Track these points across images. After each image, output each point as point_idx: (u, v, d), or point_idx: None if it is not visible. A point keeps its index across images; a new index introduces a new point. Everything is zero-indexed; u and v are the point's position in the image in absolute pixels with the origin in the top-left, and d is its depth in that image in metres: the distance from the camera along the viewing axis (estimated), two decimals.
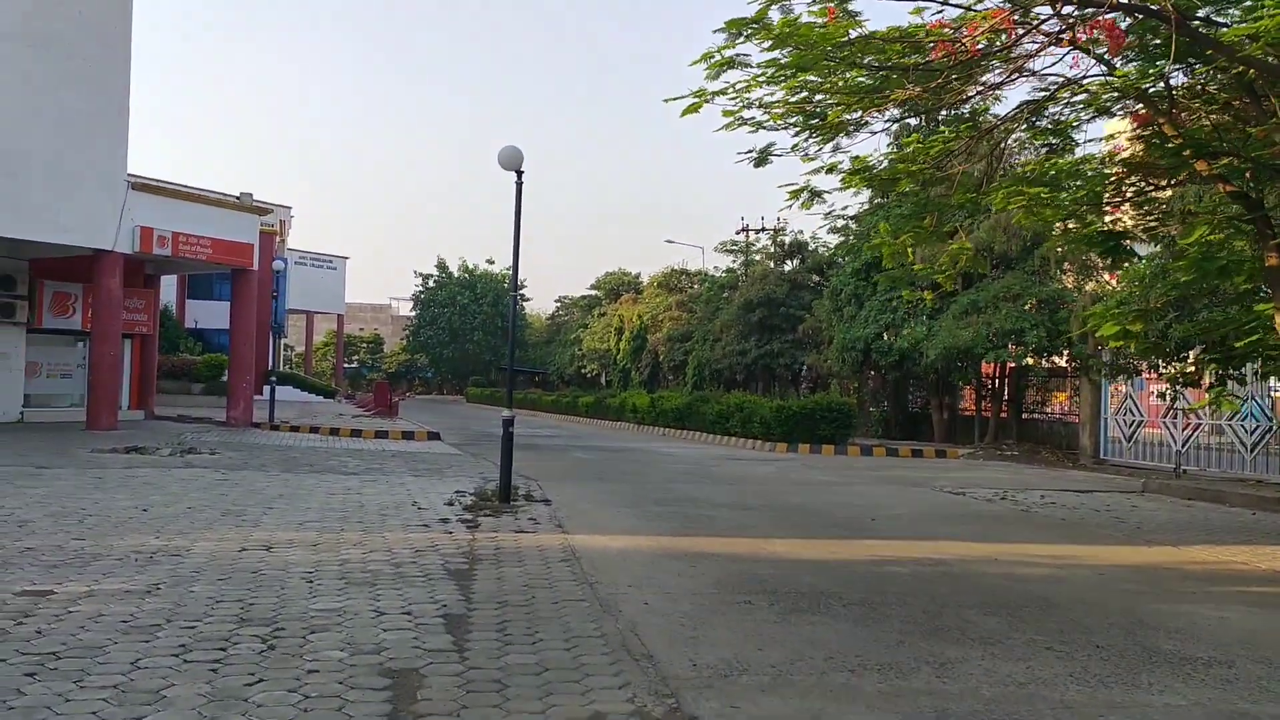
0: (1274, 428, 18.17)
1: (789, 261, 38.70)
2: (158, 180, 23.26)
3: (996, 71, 8.13)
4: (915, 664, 5.12)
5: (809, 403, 24.99)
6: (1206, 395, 10.92)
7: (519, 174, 11.55)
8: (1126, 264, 16.44)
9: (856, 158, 9.19)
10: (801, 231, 38.78)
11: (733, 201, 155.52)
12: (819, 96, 8.09)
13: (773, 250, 39.62)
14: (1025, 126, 10.29)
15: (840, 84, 7.86)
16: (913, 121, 11.31)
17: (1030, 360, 23.60)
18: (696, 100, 7.96)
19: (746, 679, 4.79)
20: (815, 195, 9.39)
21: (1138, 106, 9.90)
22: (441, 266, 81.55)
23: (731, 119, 8.18)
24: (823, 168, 9.82)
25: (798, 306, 36.02)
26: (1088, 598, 7.10)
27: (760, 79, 7.68)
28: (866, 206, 29.01)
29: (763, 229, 45.66)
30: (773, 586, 7.14)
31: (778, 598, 6.74)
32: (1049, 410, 26.62)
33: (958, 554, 8.85)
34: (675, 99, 8.00)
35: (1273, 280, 8.37)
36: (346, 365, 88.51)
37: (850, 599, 6.76)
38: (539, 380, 77.77)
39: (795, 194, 9.42)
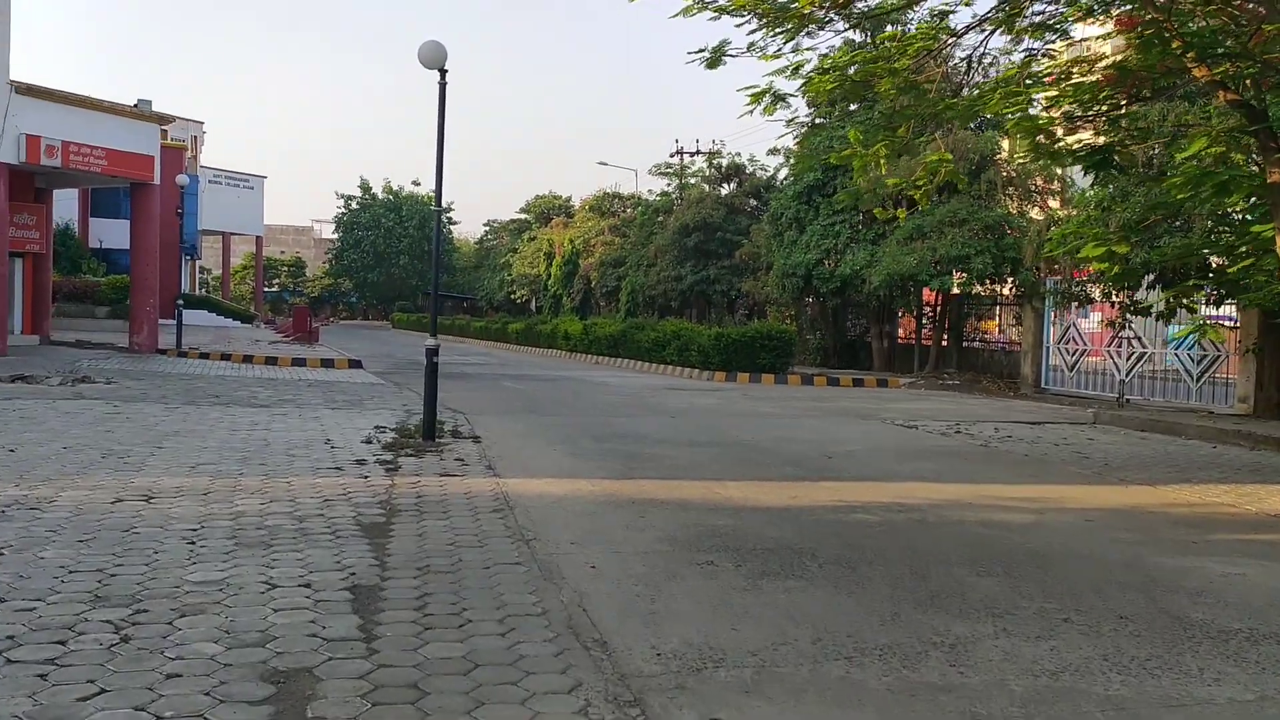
0: (1223, 357, 17.89)
1: (726, 185, 37.61)
2: (46, 86, 21.13)
3: None
4: (921, 646, 4.27)
5: (748, 331, 24.18)
6: (1186, 324, 10.19)
7: (442, 73, 10.26)
8: (1092, 185, 15.77)
9: (825, 56, 8.15)
10: (739, 154, 37.64)
11: (668, 124, 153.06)
12: None
13: (709, 173, 38.47)
14: (1003, 29, 9.33)
15: None
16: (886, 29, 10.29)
17: (975, 288, 23.06)
18: None
19: (724, 674, 3.89)
20: (779, 99, 8.35)
21: (1126, 7, 9.01)
22: (365, 188, 78.69)
23: (691, 2, 7.05)
24: (787, 68, 8.77)
25: (735, 231, 35.08)
26: (1083, 549, 6.37)
27: None
28: (806, 126, 28.04)
29: (698, 152, 44.43)
30: (735, 541, 6.26)
31: (743, 556, 5.87)
32: (989, 338, 26.24)
33: (927, 497, 8.09)
34: None
35: (1276, 198, 7.62)
36: (267, 289, 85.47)
37: (824, 557, 5.91)
38: (467, 306, 76.03)
39: (756, 97, 8.36)
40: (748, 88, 8.33)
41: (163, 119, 23.58)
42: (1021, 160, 21.51)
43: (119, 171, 22.42)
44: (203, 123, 65.29)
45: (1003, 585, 5.38)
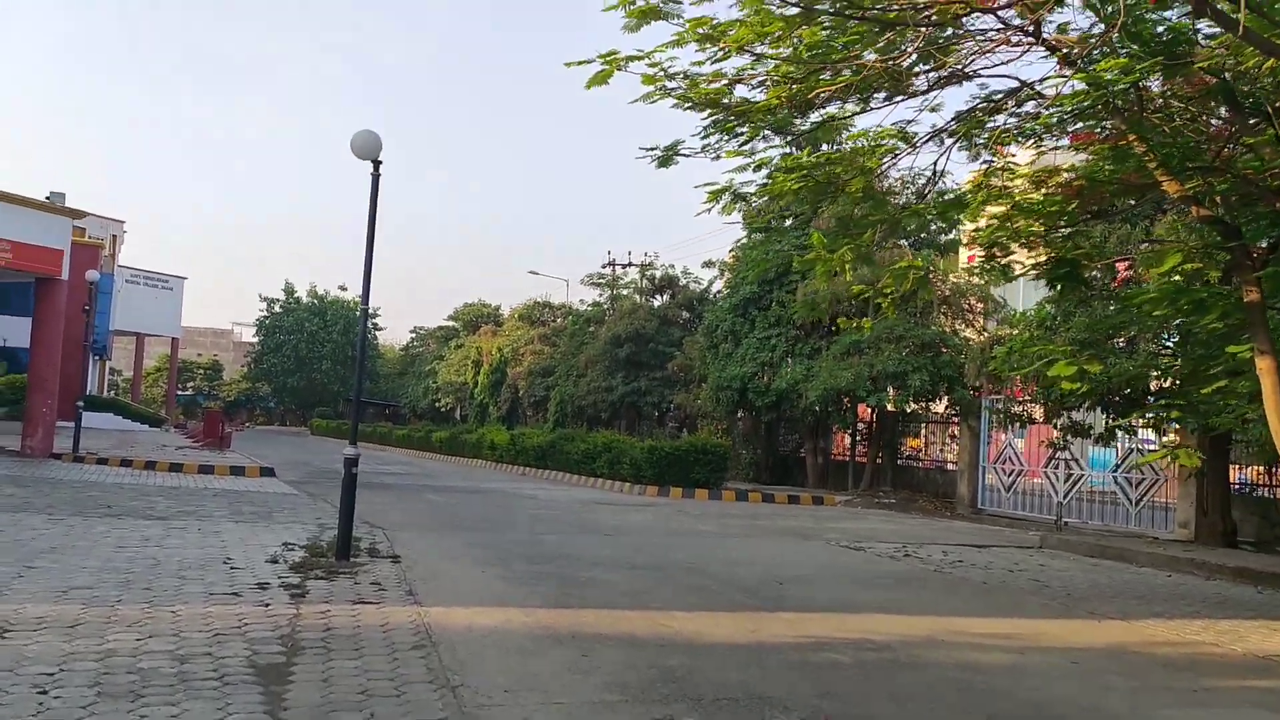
0: (1160, 481, 17.72)
1: (659, 296, 37.49)
2: None
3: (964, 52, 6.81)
4: None
5: (682, 444, 23.53)
6: (1156, 448, 9.66)
7: (376, 164, 9.63)
8: (1043, 302, 15.59)
9: (787, 155, 7.73)
10: (672, 266, 37.65)
11: (602, 235, 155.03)
12: (757, 67, 6.58)
13: (642, 284, 38.35)
14: (960, 141, 9.08)
15: (788, 47, 6.38)
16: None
17: (910, 405, 22.84)
18: (606, 66, 6.33)
19: None
20: (739, 198, 7.88)
21: (1090, 121, 8.84)
22: (289, 291, 77.31)
23: (653, 88, 6.58)
24: (748, 165, 8.33)
25: (667, 343, 34.77)
26: (1081, 700, 5.68)
27: (694, 33, 6.10)
28: (752, 234, 28.06)
29: (630, 264, 44.48)
30: (693, 688, 5.44)
31: (705, 710, 5.04)
32: (924, 457, 25.97)
33: (896, 633, 7.36)
34: (580, 63, 6.34)
35: (1253, 318, 7.30)
36: (181, 393, 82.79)
37: (799, 707, 5.12)
38: (390, 413, 74.29)
39: (715, 195, 7.88)
40: (706, 184, 7.87)
41: (75, 213, 22.55)
42: (966, 276, 21.67)
43: (25, 265, 21.19)
44: (123, 221, 63.79)
45: None
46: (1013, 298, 25.85)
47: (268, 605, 7.10)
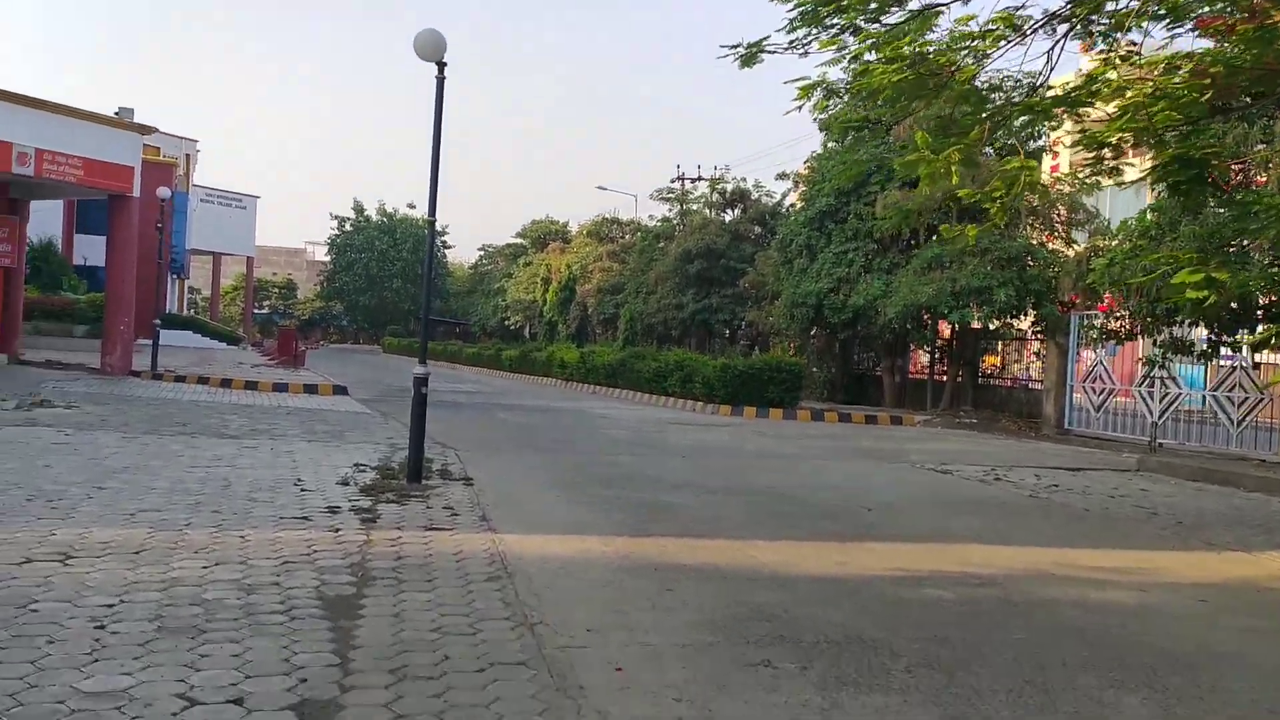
0: (1265, 399, 16.74)
1: (730, 211, 36.56)
2: (19, 92, 19.95)
3: None
4: None
5: (756, 362, 22.97)
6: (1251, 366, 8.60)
7: (440, 66, 9.10)
8: (1145, 212, 14.55)
9: (888, 42, 6.97)
10: (744, 179, 36.59)
11: (671, 150, 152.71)
12: None
13: (713, 199, 37.42)
14: (1076, 29, 8.18)
15: None
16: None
17: (995, 322, 21.91)
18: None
19: None
20: (831, 93, 7.21)
21: (1208, 9, 7.88)
22: (359, 210, 77.61)
23: None
24: (841, 57, 7.59)
25: (739, 259, 33.98)
26: (1222, 647, 5.13)
27: None
28: (818, 151, 27.01)
29: (700, 178, 43.45)
30: (790, 629, 5.01)
31: (806, 654, 4.61)
32: (1007, 376, 25.06)
33: (1000, 566, 6.85)
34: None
35: None
36: (257, 311, 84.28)
37: (909, 655, 4.66)
38: (460, 332, 74.86)
39: (806, 90, 7.20)
40: (797, 79, 7.17)
41: (144, 129, 22.40)
42: (1058, 184, 20.50)
43: (96, 182, 21.19)
44: (196, 141, 64.05)
45: (1158, 709, 4.13)
46: (1102, 209, 24.52)
47: (338, 531, 6.84)
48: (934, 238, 23.41)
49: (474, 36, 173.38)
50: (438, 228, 75.35)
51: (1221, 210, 8.32)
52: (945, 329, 24.05)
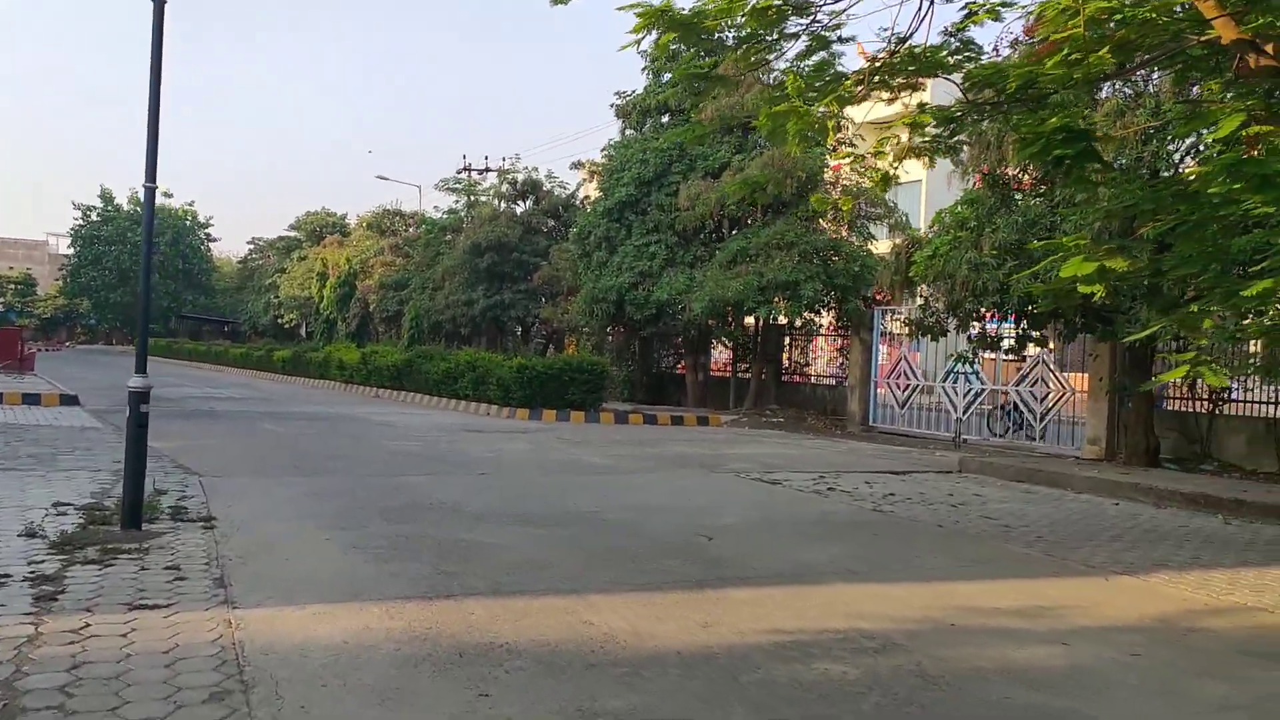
0: (1068, 395, 16.75)
1: (521, 202, 34.78)
2: None
3: None
4: None
5: (556, 363, 21.38)
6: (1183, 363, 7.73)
7: None
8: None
9: None
10: (535, 169, 34.92)
11: (455, 141, 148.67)
12: None
13: (503, 189, 35.52)
14: None
15: None
16: None
17: (802, 317, 21.29)
18: None
19: None
20: (678, 26, 5.63)
21: None
22: (107, 198, 70.40)
23: None
24: None
25: (532, 253, 32.32)
26: None
27: None
28: (616, 139, 25.77)
29: (488, 169, 41.45)
30: None
31: None
32: (810, 373, 24.64)
33: (890, 615, 5.57)
34: None
35: None
36: None
37: None
38: (228, 330, 69.40)
39: (646, 17, 5.57)
40: (632, 5, 5.57)
41: None
42: (858, 174, 20.02)
43: None
44: None
45: None
46: (917, 201, 24.55)
47: None
48: (736, 230, 22.68)
49: (251, 22, 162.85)
50: (200, 218, 69.12)
51: (1106, 189, 7.41)
52: (749, 324, 23.32)
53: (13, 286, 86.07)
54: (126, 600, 5.15)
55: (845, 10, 5.84)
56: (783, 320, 22.42)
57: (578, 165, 29.34)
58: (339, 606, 5.27)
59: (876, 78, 5.88)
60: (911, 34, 6.34)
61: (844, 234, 22.36)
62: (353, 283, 45.34)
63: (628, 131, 25.12)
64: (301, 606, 5.23)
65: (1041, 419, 16.98)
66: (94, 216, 69.58)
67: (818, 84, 6.02)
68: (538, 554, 6.87)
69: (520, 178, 34.55)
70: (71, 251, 72.92)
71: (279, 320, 57.37)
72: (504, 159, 41.19)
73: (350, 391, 27.97)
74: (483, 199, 38.00)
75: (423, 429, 16.76)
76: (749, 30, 5.80)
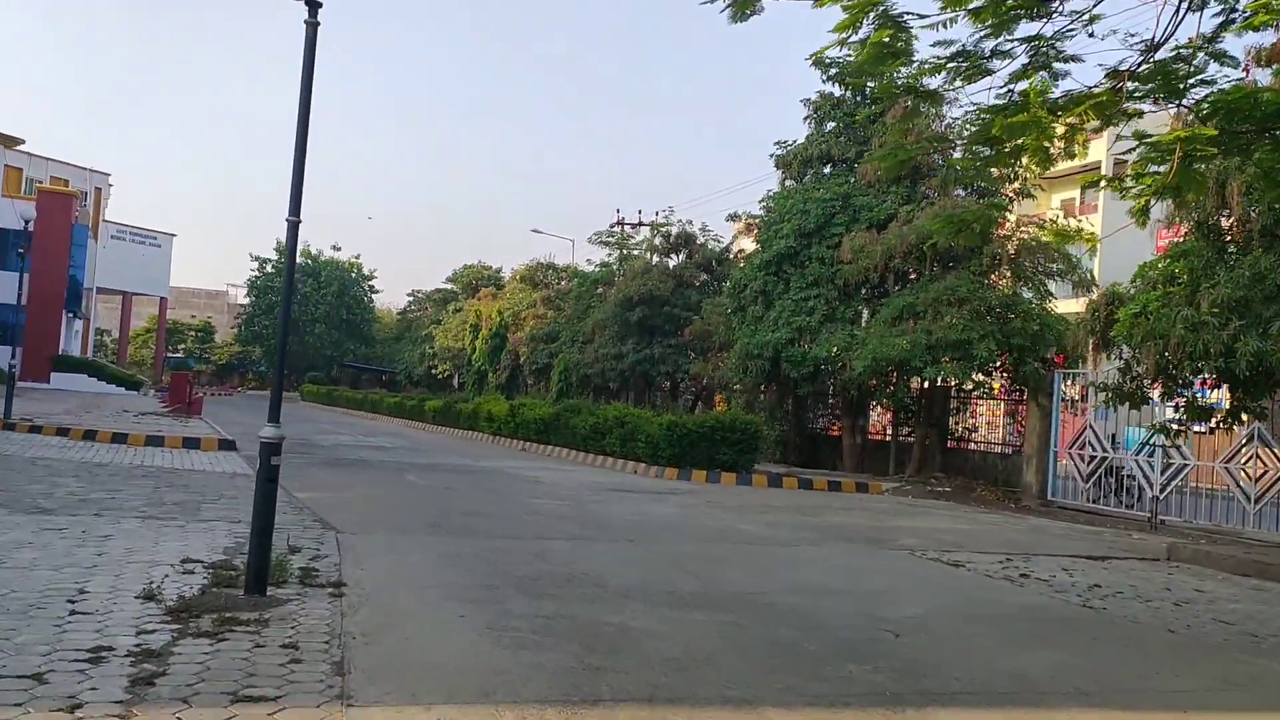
0: None
1: (674, 256, 34.30)
2: None
3: None
4: None
5: (707, 420, 20.46)
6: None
7: (313, 8, 6.52)
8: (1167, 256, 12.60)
9: None
10: (689, 222, 34.41)
11: (609, 197, 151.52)
12: None
13: (656, 243, 35.14)
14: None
15: None
16: None
17: (976, 378, 19.78)
18: None
19: None
20: (895, 25, 4.78)
21: None
22: (281, 251, 73.86)
23: None
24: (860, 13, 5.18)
25: (683, 307, 31.69)
26: None
27: None
28: (773, 191, 24.95)
29: (640, 223, 41.34)
30: None
31: None
32: (979, 439, 22.91)
33: None
34: None
35: None
36: (172, 355, 79.98)
37: None
38: (385, 380, 71.42)
39: (856, 10, 4.74)
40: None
41: (7, 140, 19.34)
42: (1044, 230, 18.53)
43: None
44: (109, 174, 60.20)
45: None
46: (1088, 258, 22.71)
47: (76, 711, 4.08)
48: (901, 286, 21.38)
49: (420, 78, 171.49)
50: (365, 270, 71.92)
51: None
52: (915, 386, 21.88)
53: (193, 334, 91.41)
54: (231, 689, 4.47)
55: (1092, 8, 4.80)
56: (951, 381, 20.90)
57: (734, 217, 28.69)
58: (468, 710, 4.46)
59: (1132, 89, 4.80)
60: (1163, 41, 5.24)
61: (1018, 290, 20.79)
62: (504, 335, 45.82)
63: (787, 182, 24.27)
64: (426, 708, 4.44)
65: (1255, 500, 14.98)
66: (268, 268, 73.19)
67: (1053, 95, 4.99)
68: (696, 645, 5.93)
69: (674, 231, 34.12)
70: (247, 301, 76.90)
71: (433, 371, 58.63)
72: (657, 213, 40.97)
73: (497, 444, 27.78)
74: (635, 252, 37.77)
75: (568, 487, 16.10)
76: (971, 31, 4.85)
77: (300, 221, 6.43)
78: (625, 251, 38.56)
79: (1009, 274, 20.87)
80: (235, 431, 22.98)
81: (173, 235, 64.08)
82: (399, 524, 10.50)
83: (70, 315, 47.87)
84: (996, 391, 22.08)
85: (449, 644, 5.67)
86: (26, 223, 20.94)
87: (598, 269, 40.42)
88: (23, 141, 19.32)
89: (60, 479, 12.09)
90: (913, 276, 21.51)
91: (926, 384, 21.51)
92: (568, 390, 35.54)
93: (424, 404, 37.95)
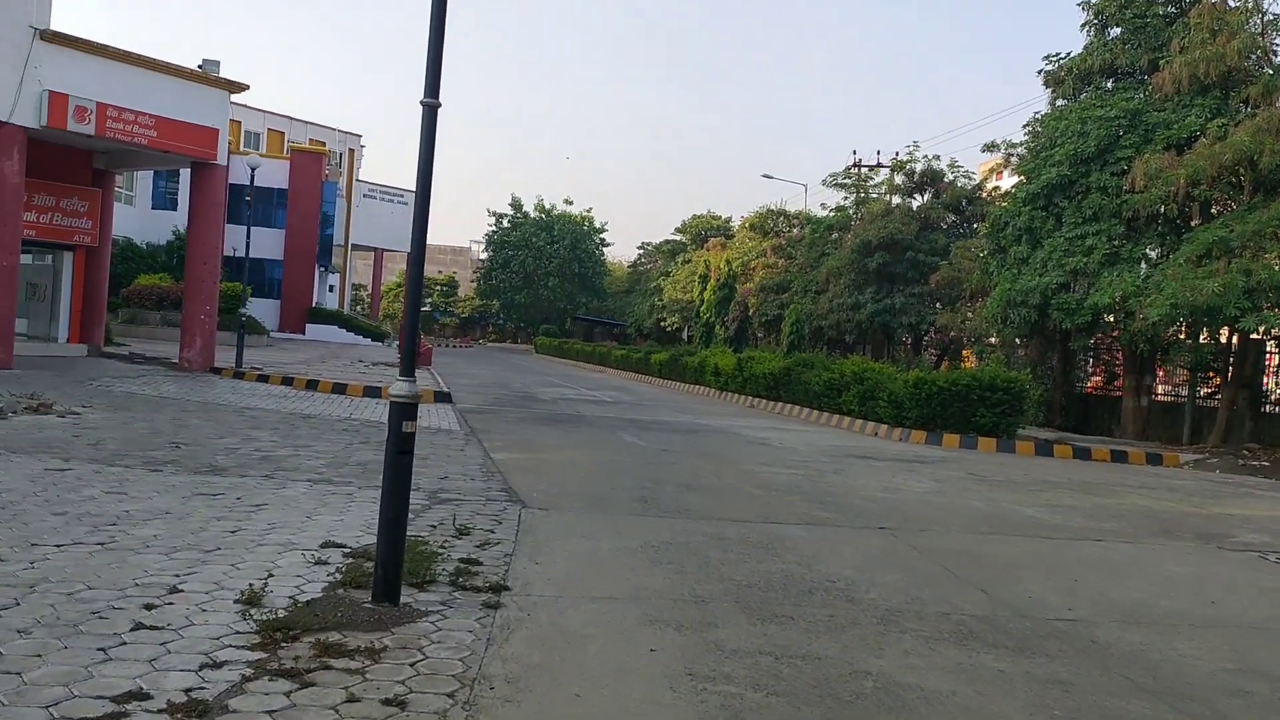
0: None
1: (918, 195, 31.13)
2: (80, 36, 17.00)
3: None
4: None
5: (962, 378, 17.73)
6: None
7: None
8: None
9: None
10: (936, 157, 31.07)
11: (844, 139, 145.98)
12: None
13: (898, 182, 32.05)
14: None
15: None
16: None
17: None
18: None
19: None
20: None
21: None
22: (517, 206, 75.17)
23: None
24: None
25: (928, 252, 28.65)
26: None
27: None
28: (1041, 112, 21.55)
29: (879, 165, 38.10)
30: None
31: None
32: None
33: None
34: None
35: None
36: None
37: None
38: (616, 333, 71.43)
39: None
40: None
41: (233, 85, 19.24)
42: None
43: (173, 146, 18.14)
44: (360, 136, 62.83)
45: None
46: None
47: None
48: (1207, 219, 17.75)
49: (639, 38, 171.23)
50: (596, 224, 72.05)
51: None
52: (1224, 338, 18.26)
53: (439, 288, 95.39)
54: None
55: None
56: (1271, 333, 17.20)
57: (991, 147, 25.24)
58: None
59: None
60: None
61: None
62: (732, 285, 43.97)
63: (1059, 102, 20.84)
64: None
65: None
66: (505, 223, 74.60)
67: None
68: (993, 709, 3.84)
69: (918, 168, 30.94)
70: (485, 256, 78.97)
71: (661, 323, 57.73)
72: (897, 152, 37.63)
73: (723, 399, 26.05)
74: (874, 195, 34.76)
75: (801, 451, 14.07)
76: None
77: (440, 105, 4.77)
78: (863, 194, 35.59)
79: None
80: (461, 384, 22.51)
81: None
82: (599, 497, 8.87)
83: (322, 269, 50.21)
84: None
85: (629, 700, 3.87)
86: (254, 169, 20.90)
87: (832, 214, 37.67)
88: (247, 87, 19.10)
89: (257, 432, 11.36)
90: (1215, 210, 17.83)
91: (1236, 336, 17.87)
92: (799, 343, 33.29)
93: (650, 357, 36.79)
